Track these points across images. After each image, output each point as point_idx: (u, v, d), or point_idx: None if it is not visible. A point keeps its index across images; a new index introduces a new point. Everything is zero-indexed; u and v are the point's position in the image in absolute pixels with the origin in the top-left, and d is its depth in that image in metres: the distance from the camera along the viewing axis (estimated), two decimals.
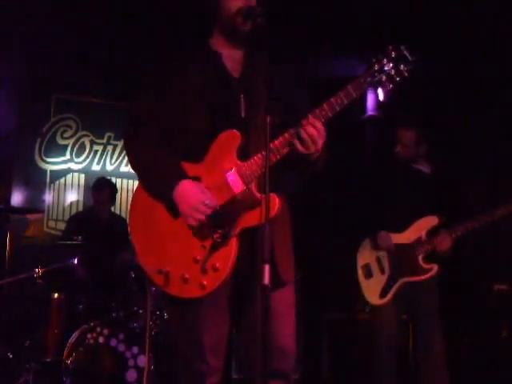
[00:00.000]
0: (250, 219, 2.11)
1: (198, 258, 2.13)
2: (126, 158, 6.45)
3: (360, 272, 3.75)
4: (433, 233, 3.66)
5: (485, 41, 4.80)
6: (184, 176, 2.16)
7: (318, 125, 2.07)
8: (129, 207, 2.35)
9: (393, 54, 2.09)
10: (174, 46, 2.40)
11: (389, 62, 2.08)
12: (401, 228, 3.69)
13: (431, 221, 3.67)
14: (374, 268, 3.71)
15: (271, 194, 2.04)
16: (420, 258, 3.63)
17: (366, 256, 3.76)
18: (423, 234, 3.67)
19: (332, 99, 2.08)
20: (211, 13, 2.31)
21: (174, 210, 2.17)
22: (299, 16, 4.90)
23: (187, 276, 2.13)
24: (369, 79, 2.09)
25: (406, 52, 2.08)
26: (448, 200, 3.75)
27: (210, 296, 2.14)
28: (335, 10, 5.02)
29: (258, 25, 2.16)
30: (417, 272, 3.62)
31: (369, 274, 3.71)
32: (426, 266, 3.63)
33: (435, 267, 3.63)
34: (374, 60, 2.10)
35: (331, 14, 5.08)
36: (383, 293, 3.64)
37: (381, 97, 6.14)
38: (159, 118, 2.27)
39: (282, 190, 2.21)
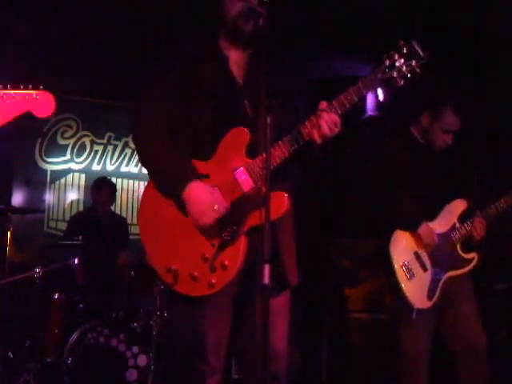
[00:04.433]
0: (259, 217, 2.08)
1: (207, 256, 2.13)
2: (127, 159, 6.48)
3: (400, 273, 3.16)
4: (464, 218, 3.30)
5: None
6: (195, 176, 2.16)
7: (334, 116, 2.09)
8: (138, 206, 2.35)
9: (404, 50, 2.07)
10: (174, 45, 2.40)
11: (400, 57, 2.06)
12: (431, 216, 3.29)
13: (461, 204, 3.32)
14: (415, 266, 3.19)
15: (280, 193, 2.07)
16: (458, 247, 3.28)
17: (402, 254, 3.21)
18: (456, 220, 3.29)
19: (342, 96, 2.09)
20: (215, 16, 2.33)
21: (184, 207, 2.17)
22: (299, 16, 4.91)
23: (196, 274, 2.13)
24: (379, 75, 2.08)
25: (417, 47, 2.06)
26: (462, 177, 3.47)
27: (215, 296, 2.14)
28: (335, 10, 5.02)
29: (259, 25, 2.18)
30: (459, 264, 3.27)
31: (411, 274, 3.16)
32: (466, 256, 3.28)
33: (476, 256, 3.28)
34: (385, 56, 2.08)
35: (331, 14, 5.08)
36: (430, 293, 3.19)
37: (381, 97, 6.18)
38: (169, 114, 2.27)
39: (289, 186, 2.22)
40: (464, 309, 3.29)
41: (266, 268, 1.86)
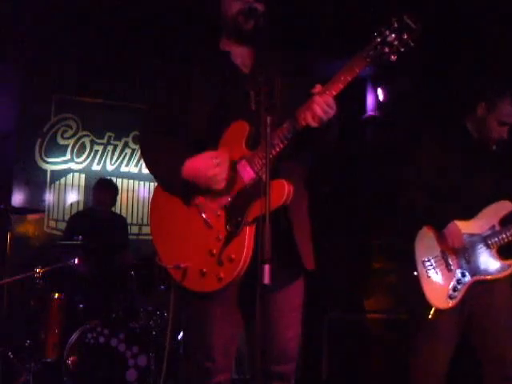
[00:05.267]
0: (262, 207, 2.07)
1: (214, 251, 2.13)
2: (127, 159, 6.49)
3: (421, 268, 3.07)
4: (506, 221, 3.11)
5: None
6: (187, 156, 2.18)
7: (326, 97, 2.05)
8: (148, 210, 2.39)
9: (395, 25, 1.99)
10: (173, 45, 2.41)
11: (391, 32, 1.99)
12: (468, 214, 3.12)
13: (505, 207, 3.12)
14: (439, 264, 3.08)
15: (279, 181, 2.06)
16: (494, 251, 3.07)
17: (427, 249, 3.10)
18: (496, 222, 3.11)
19: (335, 78, 2.07)
20: (215, 16, 2.34)
21: (188, 200, 2.19)
22: (299, 16, 4.91)
23: (205, 270, 2.13)
24: (371, 53, 2.01)
25: (408, 20, 1.98)
26: None
27: (223, 294, 2.14)
28: (335, 10, 5.02)
29: (259, 23, 2.20)
30: (491, 269, 3.06)
31: (432, 272, 3.07)
32: (503, 262, 3.06)
33: None
34: (375, 33, 2.02)
35: (331, 14, 5.08)
36: (452, 293, 3.04)
37: (381, 97, 6.19)
38: (172, 118, 2.30)
39: (296, 174, 2.22)
40: (497, 319, 3.08)
41: (266, 268, 1.85)
